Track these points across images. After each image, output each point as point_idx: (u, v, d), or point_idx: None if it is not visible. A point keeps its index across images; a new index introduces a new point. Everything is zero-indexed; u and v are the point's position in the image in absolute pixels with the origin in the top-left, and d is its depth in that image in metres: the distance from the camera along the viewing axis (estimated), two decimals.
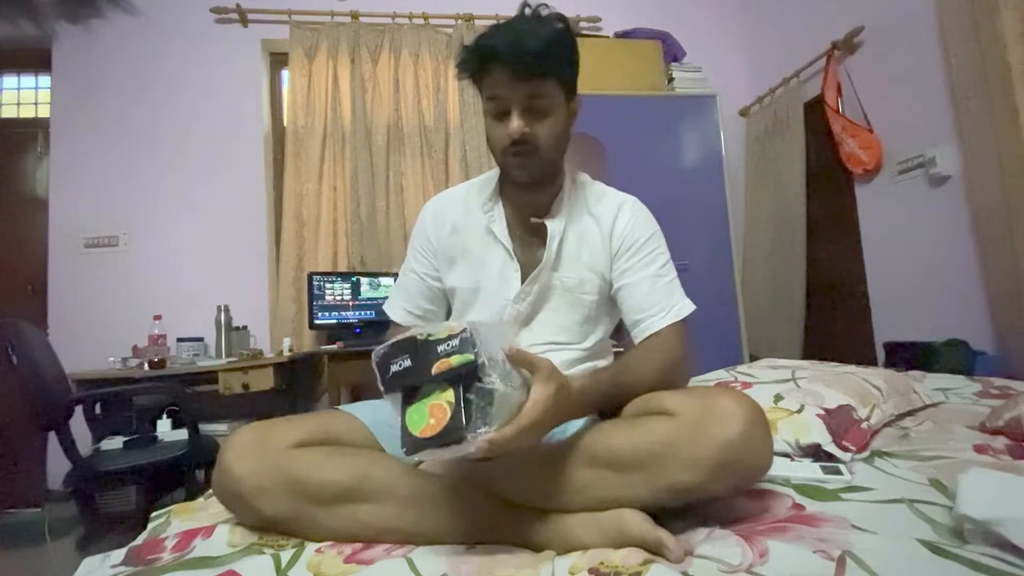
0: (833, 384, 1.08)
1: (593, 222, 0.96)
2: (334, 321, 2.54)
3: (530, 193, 0.95)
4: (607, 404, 0.78)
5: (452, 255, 0.98)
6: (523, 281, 0.94)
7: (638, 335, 0.90)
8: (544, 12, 0.85)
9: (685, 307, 0.91)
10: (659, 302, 0.90)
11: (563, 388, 0.66)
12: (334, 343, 2.41)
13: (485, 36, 0.84)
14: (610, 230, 0.95)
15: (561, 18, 0.85)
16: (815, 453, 0.89)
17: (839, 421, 0.94)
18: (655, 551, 0.61)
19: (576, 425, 0.81)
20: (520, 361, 0.64)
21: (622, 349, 2.19)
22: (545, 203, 0.96)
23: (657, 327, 0.88)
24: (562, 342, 0.95)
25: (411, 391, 0.62)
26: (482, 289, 0.95)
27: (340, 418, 0.86)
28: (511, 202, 0.97)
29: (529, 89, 0.83)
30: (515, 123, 0.83)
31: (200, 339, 2.57)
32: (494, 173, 1.00)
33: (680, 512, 0.69)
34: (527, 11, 0.86)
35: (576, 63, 0.88)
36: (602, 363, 0.98)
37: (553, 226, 0.93)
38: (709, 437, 0.62)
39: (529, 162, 0.87)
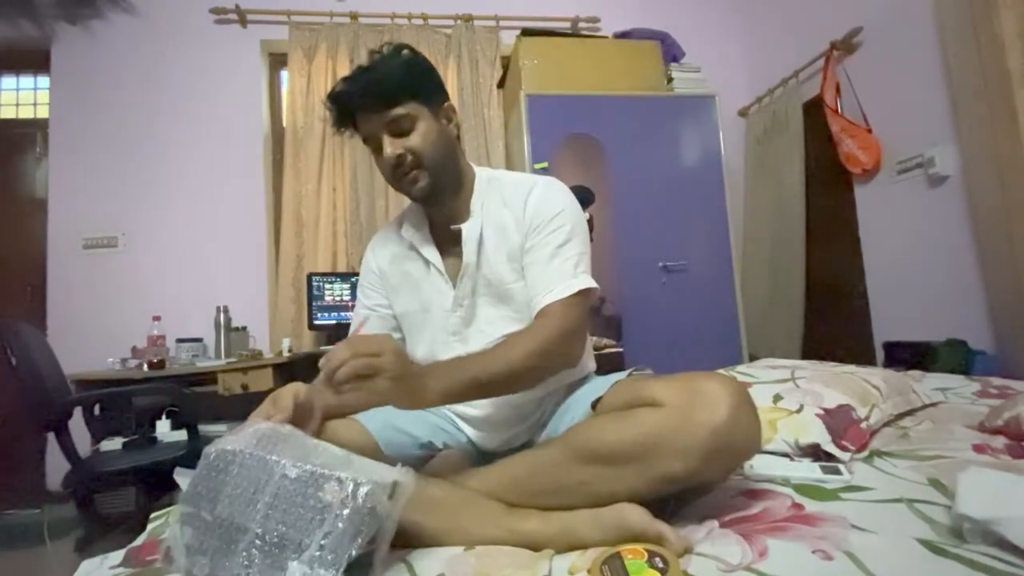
0: (832, 384, 1.08)
1: (508, 211, 0.94)
2: (334, 321, 2.54)
3: (444, 205, 0.95)
4: (478, 392, 0.80)
5: (395, 283, 1.01)
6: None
7: (533, 317, 0.87)
8: (385, 50, 0.90)
9: (574, 285, 0.86)
10: (549, 280, 0.87)
11: (408, 362, 0.72)
12: (334, 343, 2.40)
13: (335, 91, 0.90)
14: (522, 213, 0.93)
15: (398, 48, 0.90)
16: (814, 453, 0.89)
17: (838, 421, 0.94)
18: (656, 544, 0.61)
19: (567, 422, 0.82)
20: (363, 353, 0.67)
21: (616, 344, 2.17)
22: (461, 209, 0.96)
23: (542, 305, 0.85)
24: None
25: None
26: (429, 308, 0.97)
27: (339, 419, 0.86)
28: (434, 219, 0.99)
29: (387, 116, 0.86)
30: (387, 148, 0.87)
31: (199, 340, 2.56)
32: None
33: (680, 511, 0.70)
34: (375, 56, 0.90)
35: (425, 75, 0.90)
36: None
37: (467, 229, 0.93)
38: (698, 425, 0.63)
39: (419, 175, 0.89)
